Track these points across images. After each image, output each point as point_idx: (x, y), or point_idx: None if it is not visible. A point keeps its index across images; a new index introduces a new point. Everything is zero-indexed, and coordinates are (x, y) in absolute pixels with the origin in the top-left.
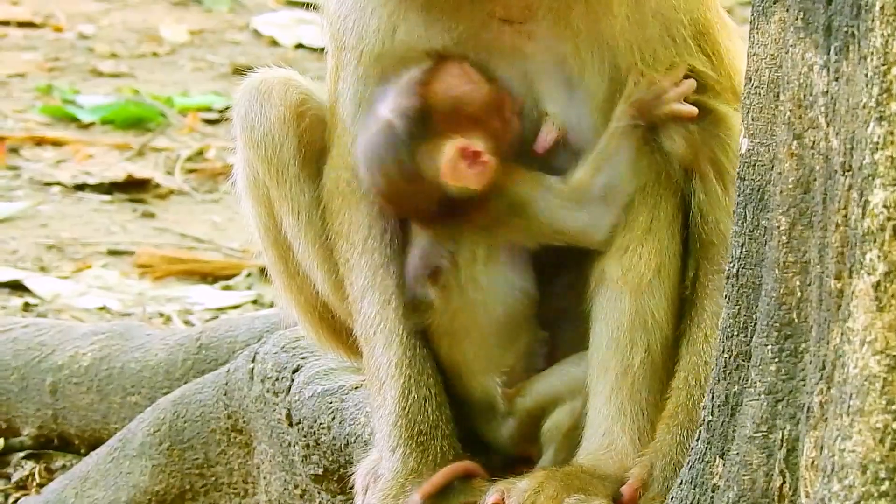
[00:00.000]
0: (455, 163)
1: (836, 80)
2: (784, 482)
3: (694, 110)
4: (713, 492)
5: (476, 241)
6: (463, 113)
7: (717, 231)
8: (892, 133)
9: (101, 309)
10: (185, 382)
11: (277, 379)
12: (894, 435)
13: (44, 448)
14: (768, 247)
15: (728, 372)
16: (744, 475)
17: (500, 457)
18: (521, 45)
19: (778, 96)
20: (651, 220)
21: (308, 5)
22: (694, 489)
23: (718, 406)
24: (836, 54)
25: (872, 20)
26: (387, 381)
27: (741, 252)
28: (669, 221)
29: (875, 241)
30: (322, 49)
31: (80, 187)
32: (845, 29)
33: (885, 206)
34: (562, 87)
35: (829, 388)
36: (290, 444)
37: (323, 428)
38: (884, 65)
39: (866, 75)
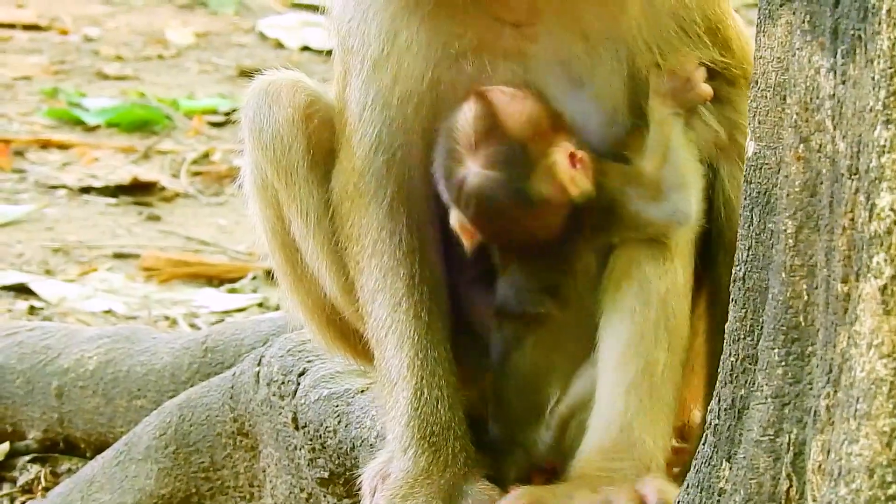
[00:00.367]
0: (569, 172)
1: (843, 83)
2: (791, 486)
3: (711, 90)
4: (720, 496)
5: (583, 250)
6: (538, 128)
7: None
8: None
9: (107, 312)
10: (191, 386)
11: (283, 382)
12: None
13: (49, 452)
14: (775, 250)
15: (735, 375)
16: (750, 479)
17: (512, 459)
18: (526, 47)
19: (784, 99)
20: None
21: (314, 8)
22: (700, 493)
23: (725, 409)
24: (842, 57)
25: (879, 23)
26: (399, 382)
27: (748, 255)
28: None
29: (882, 244)
30: (328, 52)
31: (86, 190)
32: (852, 32)
33: (891, 210)
34: (569, 88)
35: (835, 392)
36: (296, 448)
37: (329, 431)
38: (890, 68)
39: (873, 78)
